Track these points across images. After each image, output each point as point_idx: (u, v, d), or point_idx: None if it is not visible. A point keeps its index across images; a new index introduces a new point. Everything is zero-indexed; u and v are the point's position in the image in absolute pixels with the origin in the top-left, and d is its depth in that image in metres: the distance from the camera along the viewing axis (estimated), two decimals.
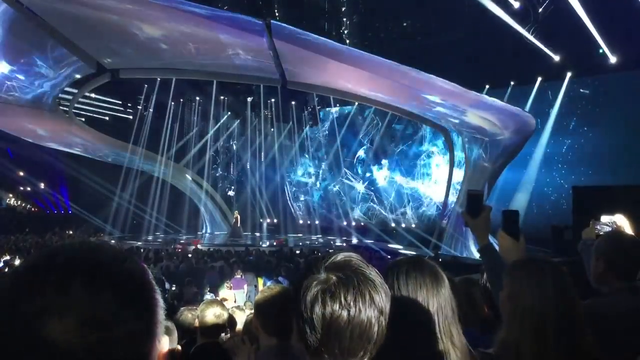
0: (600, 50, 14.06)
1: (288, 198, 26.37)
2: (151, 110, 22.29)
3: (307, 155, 26.29)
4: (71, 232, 21.71)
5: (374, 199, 23.94)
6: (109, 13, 10.71)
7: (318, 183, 26.13)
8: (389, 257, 13.33)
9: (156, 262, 11.85)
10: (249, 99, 23.82)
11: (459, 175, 17.45)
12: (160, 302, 0.68)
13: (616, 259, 2.06)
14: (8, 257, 12.37)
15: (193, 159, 24.29)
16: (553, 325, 1.48)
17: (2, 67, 12.29)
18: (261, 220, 24.92)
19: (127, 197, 21.93)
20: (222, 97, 23.34)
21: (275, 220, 25.39)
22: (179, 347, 2.46)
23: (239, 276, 9.22)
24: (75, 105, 17.79)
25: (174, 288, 9.32)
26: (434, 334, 1.23)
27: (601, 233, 2.51)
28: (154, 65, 15.62)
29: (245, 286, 8.97)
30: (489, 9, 12.40)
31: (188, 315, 3.56)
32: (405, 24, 18.54)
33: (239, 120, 25.95)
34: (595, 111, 17.25)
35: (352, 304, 0.94)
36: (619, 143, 15.94)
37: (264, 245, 18.51)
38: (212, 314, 2.89)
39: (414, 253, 15.46)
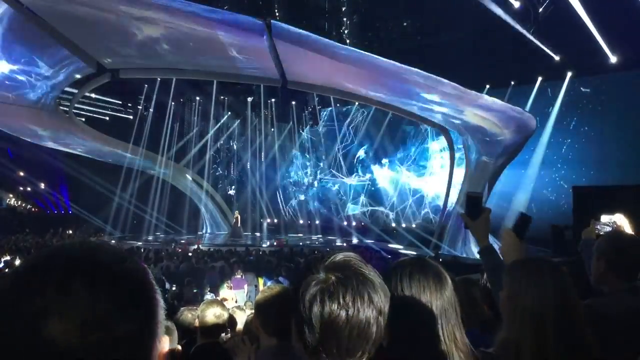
0: (601, 50, 14.04)
1: (280, 200, 26.34)
2: (151, 110, 22.29)
3: (307, 155, 26.28)
4: (70, 232, 21.70)
5: (369, 195, 23.90)
6: (109, 13, 10.70)
7: (315, 182, 26.08)
8: (389, 257, 13.33)
9: (156, 262, 11.85)
10: (249, 99, 23.82)
11: (459, 175, 17.45)
12: (161, 302, 0.68)
13: (617, 259, 2.06)
14: (8, 257, 12.37)
15: (193, 159, 24.30)
16: (553, 325, 1.48)
17: (2, 67, 12.28)
18: (261, 220, 24.93)
19: (127, 197, 21.94)
20: (222, 97, 23.34)
21: (275, 220, 25.40)
22: (179, 347, 2.46)
23: (239, 276, 9.22)
24: (75, 105, 17.78)
25: (174, 288, 9.32)
26: (437, 336, 1.22)
27: (601, 233, 2.52)
28: (154, 65, 15.61)
29: (246, 286, 8.97)
30: (489, 9, 12.38)
31: (188, 315, 3.56)
32: (405, 24, 18.53)
33: (239, 120, 25.95)
34: (595, 111, 17.24)
35: (350, 304, 0.95)
36: (620, 143, 15.94)
37: (264, 245, 18.52)
38: (212, 314, 2.89)
39: (414, 253, 15.51)
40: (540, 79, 17.40)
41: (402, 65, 11.51)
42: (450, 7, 15.22)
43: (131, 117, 23.47)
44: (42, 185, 27.65)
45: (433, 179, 22.05)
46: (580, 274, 2.36)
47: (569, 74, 16.55)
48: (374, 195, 23.97)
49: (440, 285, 1.26)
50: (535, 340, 1.48)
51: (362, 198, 24.25)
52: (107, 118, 23.25)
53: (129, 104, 23.52)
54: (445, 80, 11.48)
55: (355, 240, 20.10)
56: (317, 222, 24.07)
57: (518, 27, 13.32)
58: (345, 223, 22.98)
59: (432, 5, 16.31)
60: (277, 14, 16.38)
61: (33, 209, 29.45)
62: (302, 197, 26.14)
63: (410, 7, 17.26)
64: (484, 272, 2.41)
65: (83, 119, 20.12)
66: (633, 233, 2.48)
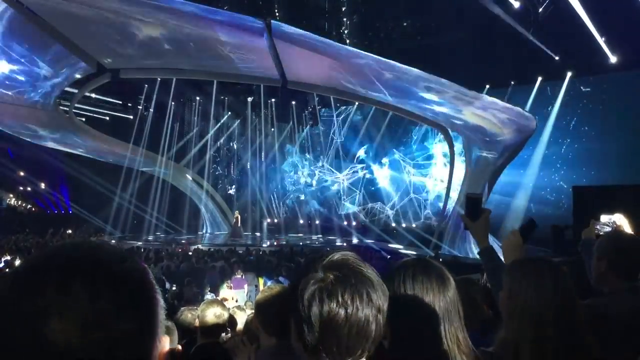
0: (601, 50, 14.04)
1: (279, 200, 26.32)
2: (151, 110, 22.28)
3: (307, 155, 26.26)
4: (70, 232, 21.70)
5: (370, 194, 23.87)
6: (109, 13, 10.71)
7: (314, 182, 26.05)
8: (389, 257, 13.33)
9: (157, 262, 11.85)
10: (249, 99, 23.81)
11: (460, 175, 17.45)
12: (161, 302, 0.68)
13: (617, 259, 2.06)
14: (8, 257, 12.37)
15: (193, 159, 24.29)
16: (552, 324, 1.48)
17: (2, 67, 12.29)
18: (261, 220, 24.94)
19: (128, 197, 21.94)
20: (222, 97, 23.33)
21: (275, 220, 25.40)
22: (179, 347, 2.46)
23: (239, 276, 9.22)
24: (75, 105, 17.78)
25: (174, 288, 9.32)
26: (439, 338, 1.21)
27: (601, 233, 2.52)
28: (154, 65, 15.62)
29: (246, 286, 8.97)
30: (489, 9, 12.38)
31: (188, 315, 3.56)
32: (405, 24, 18.53)
33: (239, 120, 25.95)
34: (595, 111, 17.25)
35: (349, 302, 0.95)
36: (620, 143, 15.93)
37: (264, 245, 18.52)
38: (212, 314, 2.89)
39: (414, 253, 15.50)
40: (540, 79, 17.40)
41: (402, 65, 11.52)
42: (450, 7, 15.22)
43: (131, 117, 23.46)
44: (42, 185, 27.64)
45: (435, 178, 22.05)
46: (581, 274, 2.36)
47: (569, 74, 16.55)
48: (375, 195, 23.94)
49: (443, 286, 1.26)
50: (535, 340, 1.48)
51: (358, 195, 24.19)
52: (107, 118, 23.24)
53: (129, 104, 23.50)
54: (446, 80, 11.49)
55: (355, 240, 20.09)
56: (317, 222, 24.07)
57: (518, 27, 13.32)
58: (345, 223, 22.97)
59: (432, 5, 16.32)
60: (277, 14, 16.38)
61: (33, 209, 29.45)
62: (302, 197, 26.13)
63: (410, 7, 17.26)
64: (484, 272, 2.41)
65: (83, 119, 20.11)
66: (633, 233, 2.48)
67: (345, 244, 19.21)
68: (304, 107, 24.81)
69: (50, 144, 20.49)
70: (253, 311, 2.77)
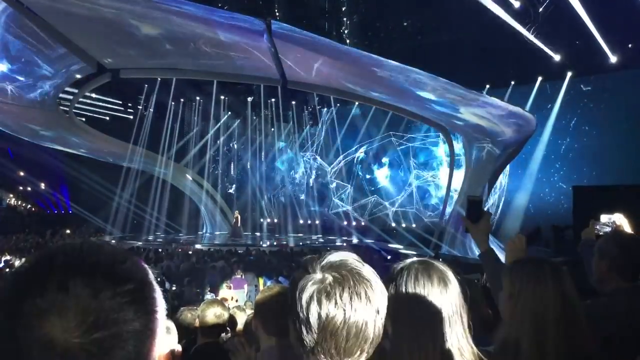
0: (601, 50, 14.04)
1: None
2: (151, 110, 22.27)
3: (307, 154, 26.24)
4: (69, 232, 21.70)
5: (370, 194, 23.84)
6: (109, 13, 10.71)
7: (311, 180, 26.00)
8: (389, 257, 13.33)
9: (157, 262, 11.86)
10: (249, 99, 23.81)
11: (460, 174, 17.45)
12: (161, 303, 0.68)
13: (619, 259, 2.06)
14: (8, 257, 12.38)
15: (193, 159, 24.29)
16: (553, 325, 1.48)
17: (2, 67, 12.29)
18: (261, 220, 24.93)
19: (128, 197, 21.93)
20: (222, 97, 23.33)
21: (275, 220, 25.40)
22: (179, 347, 2.46)
23: (239, 276, 9.22)
24: (75, 105, 17.78)
25: (174, 288, 9.33)
26: (440, 343, 1.18)
27: (601, 233, 2.52)
28: (155, 65, 15.62)
29: (246, 286, 8.97)
30: (489, 9, 12.37)
31: (188, 315, 3.56)
32: (405, 24, 18.52)
33: (239, 120, 25.95)
34: (595, 111, 17.24)
35: (347, 303, 0.95)
36: (620, 142, 15.93)
37: (264, 245, 18.52)
38: (212, 314, 2.89)
39: (414, 253, 15.50)
40: (540, 79, 17.40)
41: (403, 65, 11.51)
42: (450, 7, 15.20)
43: (131, 117, 23.45)
44: (42, 185, 27.63)
45: (436, 178, 22.04)
46: (580, 274, 2.36)
47: (569, 74, 16.55)
48: (375, 195, 23.92)
49: (445, 290, 1.23)
50: (535, 340, 1.48)
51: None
52: (107, 118, 23.23)
53: (129, 104, 23.49)
54: (446, 80, 11.48)
55: (355, 240, 20.09)
56: (317, 222, 24.07)
57: (518, 27, 13.31)
58: (345, 223, 22.96)
59: (432, 5, 16.31)
60: (277, 14, 16.37)
61: (33, 209, 29.45)
62: (302, 197, 26.12)
63: (410, 7, 17.24)
64: (484, 272, 2.42)
65: (83, 119, 20.11)
66: (632, 232, 2.48)
67: (345, 244, 19.21)
68: (304, 107, 24.79)
69: (51, 144, 20.49)
70: (253, 311, 2.77)
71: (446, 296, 1.22)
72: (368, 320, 0.96)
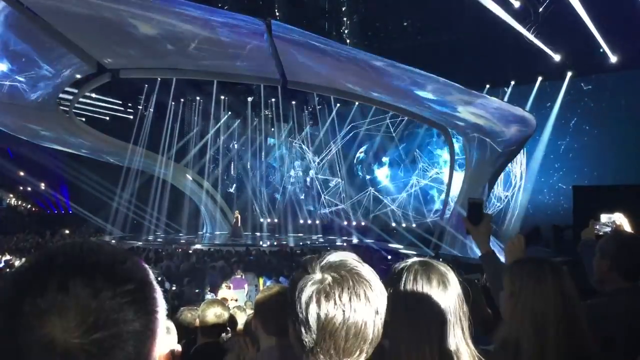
0: (601, 50, 14.05)
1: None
2: (151, 110, 22.27)
3: (307, 154, 26.25)
4: (68, 232, 21.69)
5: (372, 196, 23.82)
6: (109, 13, 10.71)
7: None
8: (389, 257, 13.33)
9: (157, 262, 11.86)
10: (249, 99, 23.80)
11: (460, 174, 17.46)
12: (161, 303, 0.68)
13: (621, 259, 2.06)
14: (8, 257, 12.38)
15: (193, 159, 24.30)
16: (553, 324, 1.48)
17: (2, 67, 12.30)
18: (261, 220, 24.93)
19: (128, 197, 21.94)
20: (222, 97, 23.33)
21: (275, 220, 25.41)
22: (179, 347, 2.46)
23: (239, 276, 9.23)
24: (75, 105, 17.79)
25: (174, 288, 9.33)
26: (437, 344, 1.16)
27: (600, 233, 2.52)
28: (154, 65, 15.63)
29: (246, 286, 8.97)
30: (489, 9, 12.37)
31: (188, 315, 3.56)
32: (405, 24, 18.52)
33: (239, 120, 25.95)
34: (596, 110, 17.24)
35: (347, 303, 0.95)
36: (620, 142, 15.94)
37: (264, 245, 18.52)
38: (212, 314, 2.89)
39: (414, 253, 15.51)
40: (540, 78, 17.39)
41: (402, 65, 11.52)
42: (450, 7, 15.21)
43: (131, 117, 23.45)
44: (42, 185, 27.63)
45: (437, 178, 22.04)
46: (581, 274, 2.36)
47: (569, 74, 16.54)
48: (375, 195, 23.91)
49: (445, 291, 1.21)
50: (535, 340, 1.48)
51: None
52: (107, 118, 23.24)
53: (129, 104, 23.49)
54: (446, 80, 11.49)
55: (355, 240, 20.10)
56: (317, 221, 24.08)
57: (518, 26, 13.31)
58: (345, 223, 22.97)
59: (431, 5, 16.30)
60: (277, 14, 16.37)
61: (33, 209, 29.45)
62: (302, 197, 26.13)
63: (410, 7, 17.24)
64: (484, 272, 2.42)
65: (83, 119, 20.11)
66: (632, 232, 2.48)
67: (345, 244, 19.21)
68: (304, 107, 24.78)
69: (51, 144, 20.49)
70: (253, 311, 2.77)
71: (445, 298, 1.21)
72: (367, 320, 0.96)
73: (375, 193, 23.48)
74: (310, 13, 17.94)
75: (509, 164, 17.41)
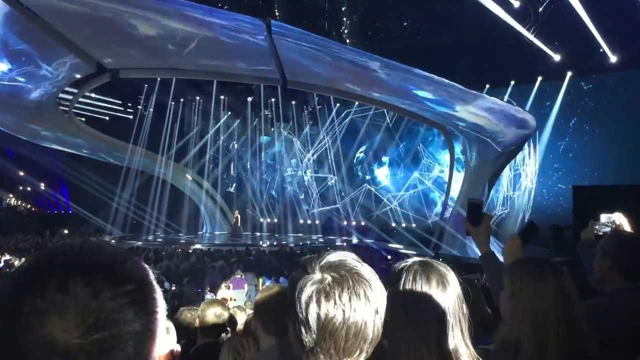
0: (601, 50, 14.05)
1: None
2: (151, 110, 22.27)
3: (307, 154, 26.24)
4: (66, 232, 21.68)
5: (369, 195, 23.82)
6: (109, 13, 10.70)
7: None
8: (389, 257, 13.33)
9: (156, 262, 11.86)
10: (249, 99, 23.80)
11: (459, 174, 17.45)
12: (161, 303, 0.68)
13: (622, 259, 2.06)
14: (8, 257, 12.38)
15: (193, 159, 24.30)
16: (553, 324, 1.48)
17: (2, 67, 12.29)
18: (261, 220, 24.93)
19: (127, 197, 21.94)
20: (222, 97, 23.33)
21: (275, 220, 25.41)
22: (178, 348, 2.46)
23: (239, 276, 9.23)
24: (75, 105, 17.79)
25: (173, 288, 9.33)
26: (435, 345, 1.16)
27: (600, 233, 2.52)
28: (154, 65, 15.61)
29: (246, 286, 8.97)
30: (489, 9, 12.37)
31: (187, 315, 3.56)
32: (405, 24, 18.52)
33: (239, 120, 25.96)
34: (595, 110, 17.24)
35: (346, 303, 0.95)
36: (620, 142, 15.94)
37: (264, 245, 18.52)
38: (212, 314, 2.89)
39: (414, 253, 15.51)
40: (540, 78, 17.40)
41: (402, 65, 11.52)
42: (450, 7, 15.21)
43: (131, 117, 23.45)
44: (42, 185, 27.63)
45: (438, 181, 22.03)
46: (580, 274, 2.36)
47: (569, 74, 16.54)
48: (375, 195, 23.91)
49: (444, 292, 1.20)
50: (535, 340, 1.48)
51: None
52: (107, 118, 23.24)
53: (129, 104, 23.49)
54: (445, 80, 11.49)
55: (355, 240, 20.10)
56: (317, 221, 24.08)
57: (518, 26, 13.31)
58: (345, 223, 22.97)
59: (432, 5, 16.31)
60: (277, 14, 16.37)
61: (33, 209, 29.45)
62: (302, 197, 26.14)
63: (410, 7, 17.24)
64: (484, 272, 2.42)
65: (83, 119, 20.12)
66: (633, 232, 2.48)
67: (345, 244, 19.21)
68: (304, 107, 24.78)
69: (51, 144, 20.48)
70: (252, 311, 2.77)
71: (444, 298, 1.20)
72: (367, 320, 0.96)
73: (372, 189, 23.46)
74: (310, 13, 17.95)
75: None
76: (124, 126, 22.46)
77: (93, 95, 20.59)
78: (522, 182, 18.83)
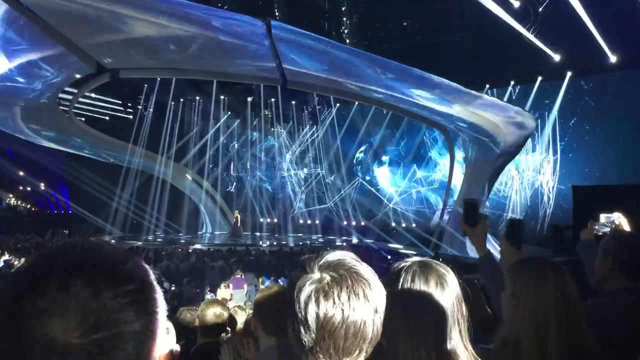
0: (601, 50, 14.05)
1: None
2: (151, 110, 22.28)
3: (306, 154, 26.23)
4: (67, 232, 21.68)
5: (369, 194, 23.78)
6: (109, 13, 10.70)
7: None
8: (389, 257, 13.33)
9: (156, 262, 11.86)
10: (249, 99, 23.80)
11: (459, 174, 17.46)
12: (162, 303, 0.68)
13: (623, 259, 2.06)
14: (8, 257, 12.38)
15: (193, 159, 24.31)
16: (554, 324, 1.48)
17: (1, 67, 12.29)
18: (261, 220, 24.93)
19: (127, 197, 21.94)
20: (222, 97, 23.33)
21: (275, 220, 25.41)
22: (178, 347, 2.46)
23: (239, 276, 9.23)
24: (75, 105, 17.79)
25: (173, 288, 9.33)
26: (435, 349, 1.15)
27: (599, 234, 2.52)
28: (154, 65, 15.60)
29: (245, 286, 8.98)
30: (489, 9, 12.37)
31: (187, 315, 3.57)
32: (405, 24, 18.52)
33: (239, 120, 25.96)
34: (596, 110, 17.24)
35: (345, 303, 0.94)
36: (620, 142, 15.94)
37: (264, 245, 18.52)
38: (212, 314, 2.90)
39: (414, 253, 15.51)
40: (540, 78, 17.40)
41: (402, 65, 11.51)
42: (450, 7, 15.21)
43: (131, 117, 23.45)
44: (42, 185, 27.63)
45: (437, 178, 22.03)
46: (581, 274, 2.37)
47: (569, 74, 16.54)
48: (376, 195, 23.90)
49: (442, 293, 1.19)
50: (536, 340, 1.49)
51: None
52: (107, 118, 23.23)
53: (129, 104, 23.49)
54: (445, 80, 11.48)
55: (355, 240, 20.09)
56: (317, 221, 24.07)
57: (518, 26, 13.32)
58: (345, 223, 22.96)
59: (432, 5, 16.30)
60: (277, 14, 16.36)
61: (33, 209, 29.45)
62: (302, 196, 26.14)
63: (410, 7, 17.24)
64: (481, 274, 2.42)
65: (83, 119, 20.12)
66: (633, 232, 2.48)
67: (345, 244, 19.21)
68: (304, 107, 24.77)
69: (51, 144, 20.47)
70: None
71: (443, 299, 1.19)
72: (366, 319, 0.96)
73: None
74: (310, 13, 17.94)
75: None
76: (124, 126, 22.47)
77: (93, 95, 20.59)
78: (522, 182, 18.82)
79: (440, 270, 1.24)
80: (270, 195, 25.99)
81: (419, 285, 1.20)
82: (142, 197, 22.25)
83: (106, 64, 14.30)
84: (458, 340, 1.18)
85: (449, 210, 17.16)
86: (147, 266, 0.69)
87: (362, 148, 24.42)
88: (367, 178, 24.39)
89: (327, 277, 0.97)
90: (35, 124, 17.32)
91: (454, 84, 11.51)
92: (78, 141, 19.72)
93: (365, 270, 1.01)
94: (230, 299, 7.19)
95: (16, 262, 11.55)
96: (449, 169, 17.95)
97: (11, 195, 29.55)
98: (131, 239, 20.17)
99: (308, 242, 20.72)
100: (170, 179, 23.00)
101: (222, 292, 7.53)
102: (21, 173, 25.85)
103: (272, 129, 25.42)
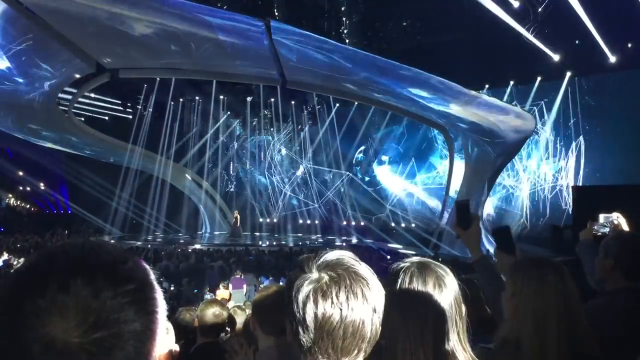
0: (601, 50, 14.06)
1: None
2: (151, 110, 22.26)
3: (306, 154, 26.20)
4: (66, 232, 21.67)
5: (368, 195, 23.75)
6: (108, 13, 10.70)
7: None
8: (388, 257, 13.32)
9: (155, 262, 11.85)
10: (249, 99, 23.78)
11: (459, 174, 17.44)
12: (162, 303, 0.68)
13: (624, 259, 2.06)
14: (8, 257, 12.38)
15: (193, 159, 24.29)
16: (554, 323, 1.48)
17: (1, 67, 12.28)
18: (261, 220, 24.92)
19: (127, 197, 21.93)
20: (221, 97, 23.32)
21: (275, 220, 25.40)
22: (177, 348, 2.46)
23: (238, 276, 9.23)
24: (75, 105, 17.78)
25: (172, 288, 9.33)
26: (433, 349, 1.14)
27: (599, 234, 2.52)
28: (154, 65, 15.60)
29: (245, 286, 8.98)
30: (489, 9, 12.38)
31: (186, 315, 3.57)
32: (405, 24, 18.51)
33: (238, 120, 25.94)
34: (595, 110, 17.24)
35: (344, 302, 0.94)
36: (620, 142, 15.95)
37: (263, 245, 18.52)
38: (211, 314, 2.90)
39: (414, 253, 15.50)
40: (539, 78, 17.41)
41: (402, 65, 11.52)
42: (450, 7, 15.21)
43: (130, 117, 23.44)
44: (42, 185, 27.61)
45: (437, 178, 22.02)
46: (580, 274, 2.37)
47: (568, 74, 16.55)
48: (376, 195, 23.88)
49: (440, 293, 1.18)
50: (536, 340, 1.49)
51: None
52: (107, 118, 23.22)
53: (129, 104, 23.48)
54: (445, 80, 11.49)
55: (354, 240, 20.08)
56: (317, 221, 24.07)
57: (518, 26, 13.32)
58: (344, 223, 22.95)
59: (432, 5, 16.30)
60: (276, 14, 16.35)
61: (33, 209, 29.44)
62: (301, 197, 26.12)
63: (410, 7, 17.24)
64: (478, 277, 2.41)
65: (83, 119, 20.10)
66: (633, 232, 2.48)
67: (344, 244, 19.20)
68: (303, 107, 24.74)
69: (50, 144, 20.47)
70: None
71: (441, 300, 1.18)
72: (365, 319, 0.96)
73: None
74: (310, 13, 17.91)
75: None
76: (124, 126, 22.46)
77: (92, 95, 20.58)
78: (522, 181, 18.82)
79: (438, 271, 1.23)
80: (268, 195, 25.98)
81: (417, 286, 1.19)
82: (142, 197, 22.24)
83: (106, 64, 14.30)
84: (456, 341, 1.17)
85: (449, 210, 17.15)
86: (147, 266, 0.69)
87: (362, 148, 24.41)
88: (367, 178, 24.38)
89: (326, 277, 0.97)
90: (34, 124, 17.31)
91: (454, 84, 11.51)
92: (77, 141, 19.71)
93: (364, 269, 1.01)
94: (229, 299, 7.20)
95: (16, 262, 11.55)
96: (449, 169, 17.95)
97: (11, 195, 29.54)
98: (131, 239, 20.16)
99: (307, 242, 20.70)
100: (170, 179, 22.99)
101: (221, 293, 7.54)
102: (21, 173, 25.84)
103: (272, 129, 25.41)
